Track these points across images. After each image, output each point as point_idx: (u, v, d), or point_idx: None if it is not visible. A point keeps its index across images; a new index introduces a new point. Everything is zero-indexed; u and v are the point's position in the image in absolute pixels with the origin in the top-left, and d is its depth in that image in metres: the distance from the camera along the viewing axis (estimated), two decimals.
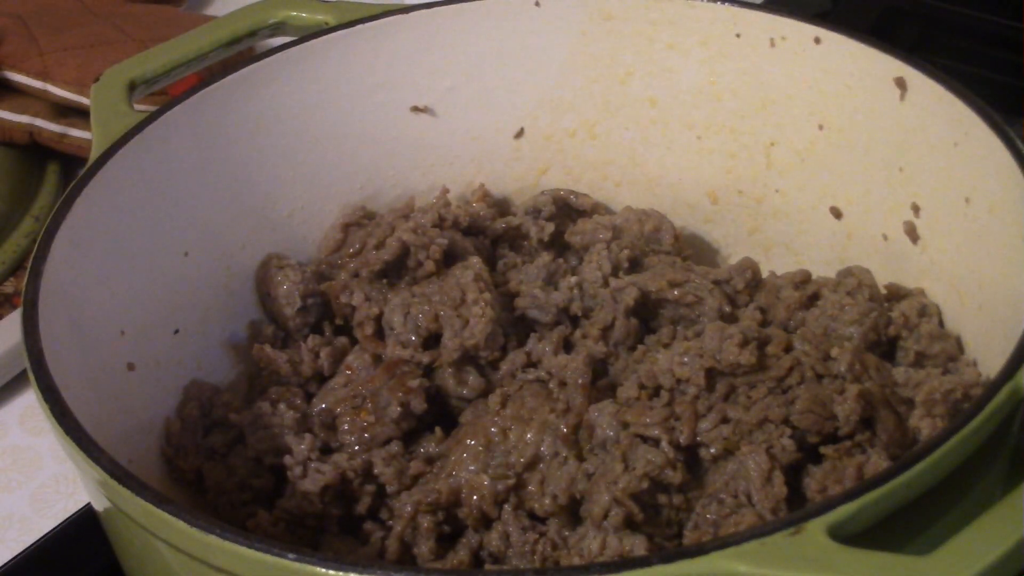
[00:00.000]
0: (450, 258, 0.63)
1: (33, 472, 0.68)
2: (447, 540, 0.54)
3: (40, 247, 0.53)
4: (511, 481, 0.54)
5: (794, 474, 0.52)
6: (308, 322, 0.65)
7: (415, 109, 0.69)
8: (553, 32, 0.68)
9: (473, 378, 0.59)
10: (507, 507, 0.53)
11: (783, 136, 0.66)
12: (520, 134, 0.71)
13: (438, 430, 0.58)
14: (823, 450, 0.52)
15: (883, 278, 0.62)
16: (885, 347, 0.58)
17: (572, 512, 0.53)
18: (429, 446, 0.58)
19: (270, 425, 0.58)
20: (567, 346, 0.60)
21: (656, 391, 0.55)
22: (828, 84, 0.63)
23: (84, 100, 0.83)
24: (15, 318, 0.71)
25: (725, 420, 0.53)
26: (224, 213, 0.64)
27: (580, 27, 0.68)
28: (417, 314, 0.60)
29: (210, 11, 1.06)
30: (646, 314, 0.62)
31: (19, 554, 0.63)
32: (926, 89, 0.58)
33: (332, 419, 0.59)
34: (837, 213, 0.65)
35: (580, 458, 0.54)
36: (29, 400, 0.72)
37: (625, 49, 0.68)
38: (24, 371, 0.70)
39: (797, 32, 0.63)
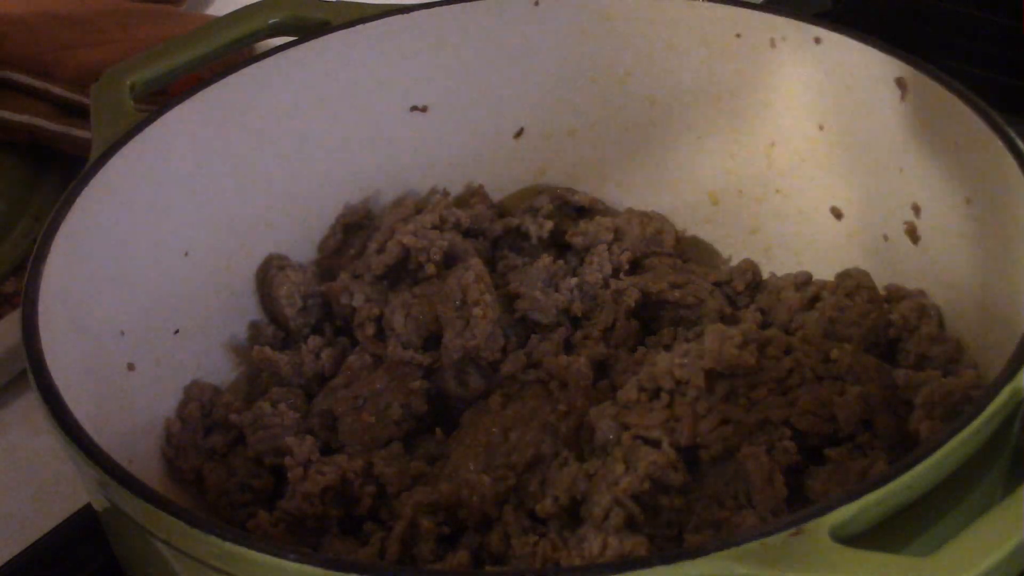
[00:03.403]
0: (450, 259, 0.63)
1: (33, 472, 0.68)
2: (447, 541, 0.54)
3: (40, 247, 0.53)
4: (511, 482, 0.54)
5: (796, 476, 0.52)
6: (309, 323, 0.65)
7: (414, 109, 0.69)
8: (553, 32, 0.68)
9: (474, 379, 0.59)
10: (507, 508, 0.53)
11: (783, 136, 0.66)
12: (520, 134, 0.71)
13: (439, 431, 0.58)
14: (827, 452, 0.52)
15: (883, 279, 0.62)
16: (885, 349, 0.58)
17: (573, 513, 0.53)
18: (430, 447, 0.58)
19: (271, 426, 0.58)
20: (568, 347, 0.60)
21: (656, 393, 0.55)
22: (828, 84, 0.63)
23: (85, 100, 0.83)
24: (15, 318, 0.71)
25: (725, 421, 0.53)
26: (224, 213, 0.64)
27: (580, 27, 0.68)
28: (418, 315, 0.60)
29: (210, 11, 1.06)
30: (647, 316, 0.62)
31: (19, 554, 0.63)
32: (926, 89, 0.58)
33: (333, 420, 0.59)
34: (837, 213, 0.65)
35: (581, 459, 0.54)
36: (29, 400, 0.72)
37: (625, 49, 0.68)
38: (24, 371, 0.71)
39: (797, 32, 0.63)
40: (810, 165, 0.65)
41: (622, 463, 0.52)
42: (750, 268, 0.65)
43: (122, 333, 0.57)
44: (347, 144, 0.68)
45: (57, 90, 0.85)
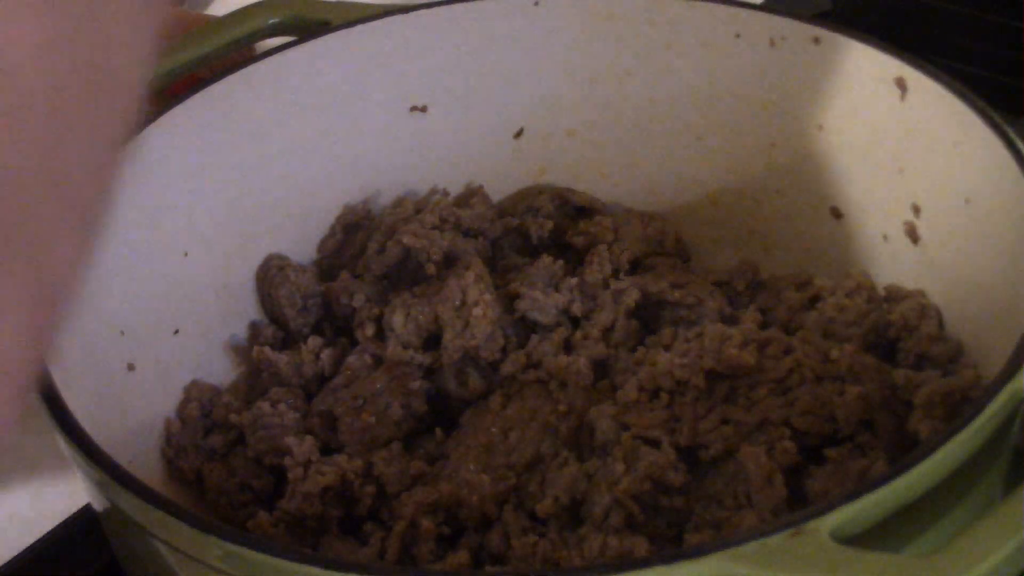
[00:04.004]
0: (450, 259, 0.63)
1: (33, 472, 0.68)
2: (447, 541, 0.54)
3: None
4: (511, 482, 0.54)
5: (796, 476, 0.52)
6: (309, 323, 0.65)
7: (414, 109, 0.69)
8: (552, 32, 0.68)
9: (474, 379, 0.59)
10: (507, 508, 0.53)
11: (783, 136, 0.66)
12: (520, 134, 0.71)
13: (438, 431, 0.58)
14: (827, 452, 0.52)
15: (883, 279, 0.62)
16: (885, 349, 0.58)
17: (573, 513, 0.53)
18: (430, 447, 0.58)
19: (270, 426, 0.58)
20: (568, 347, 0.60)
21: (656, 393, 0.55)
22: (828, 84, 0.63)
23: None
24: None
25: (725, 421, 0.53)
26: (224, 213, 0.64)
27: (579, 27, 0.68)
28: (418, 315, 0.60)
29: (210, 11, 1.06)
30: (647, 315, 0.62)
31: (19, 554, 0.63)
32: (926, 89, 0.58)
33: (333, 420, 0.59)
34: (837, 213, 0.65)
35: (581, 459, 0.54)
36: (29, 400, 0.72)
37: (624, 49, 0.68)
38: None
39: (797, 32, 0.63)
40: (810, 165, 0.65)
41: (622, 463, 0.52)
42: (750, 268, 0.65)
43: (122, 333, 0.57)
44: (347, 144, 0.68)
45: None
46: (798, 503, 0.51)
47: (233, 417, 0.59)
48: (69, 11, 0.22)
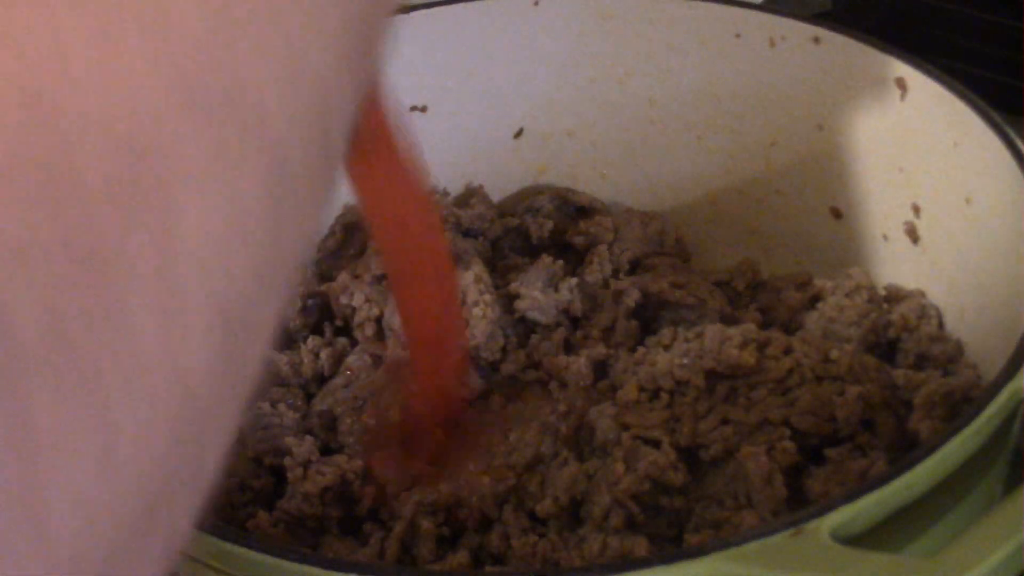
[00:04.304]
0: None
1: None
2: (447, 541, 0.54)
3: None
4: (511, 482, 0.54)
5: (796, 476, 0.52)
6: (308, 323, 0.65)
7: (414, 109, 0.69)
8: (552, 32, 0.68)
9: (474, 379, 0.59)
10: (507, 508, 0.53)
11: (783, 136, 0.66)
12: (519, 134, 0.71)
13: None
14: (827, 452, 0.52)
15: (883, 279, 0.62)
16: (884, 349, 0.58)
17: (573, 513, 0.53)
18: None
19: (270, 426, 0.58)
20: (568, 347, 0.60)
21: (656, 393, 0.55)
22: (828, 84, 0.63)
23: None
24: None
25: (725, 421, 0.53)
26: None
27: (579, 27, 0.68)
28: None
29: None
30: (647, 316, 0.62)
31: None
32: (926, 89, 0.58)
33: (332, 420, 0.59)
34: (837, 213, 0.65)
35: (581, 459, 0.54)
36: None
37: (624, 49, 0.68)
38: None
39: (796, 32, 0.63)
40: (810, 165, 0.65)
41: (622, 463, 0.52)
42: (750, 268, 0.65)
43: None
44: None
45: None
46: (798, 503, 0.51)
47: None
48: (235, 331, 0.24)
